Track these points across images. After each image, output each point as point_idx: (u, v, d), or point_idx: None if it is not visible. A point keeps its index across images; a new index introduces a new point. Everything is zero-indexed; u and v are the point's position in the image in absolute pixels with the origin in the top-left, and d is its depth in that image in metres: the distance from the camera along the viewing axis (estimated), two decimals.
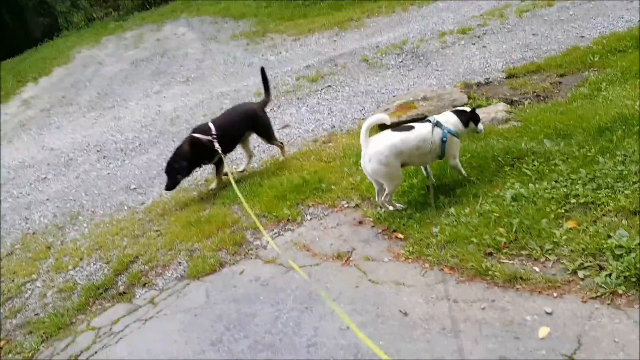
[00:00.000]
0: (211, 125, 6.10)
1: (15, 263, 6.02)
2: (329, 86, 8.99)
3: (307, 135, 7.27)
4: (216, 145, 5.96)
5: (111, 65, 15.36)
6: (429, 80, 8.00)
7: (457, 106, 6.05)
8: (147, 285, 4.80)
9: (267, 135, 6.57)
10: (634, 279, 3.05)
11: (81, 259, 5.64)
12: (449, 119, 4.52)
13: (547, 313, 3.07)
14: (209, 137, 6.00)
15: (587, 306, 3.04)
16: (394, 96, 7.55)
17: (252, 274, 4.40)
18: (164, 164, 6.21)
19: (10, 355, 4.40)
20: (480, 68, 7.87)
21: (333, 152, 6.32)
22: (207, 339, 3.75)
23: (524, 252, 3.58)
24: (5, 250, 6.46)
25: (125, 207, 6.70)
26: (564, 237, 3.54)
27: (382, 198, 4.55)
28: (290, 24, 14.29)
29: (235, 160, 7.15)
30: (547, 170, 4.32)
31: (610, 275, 3.13)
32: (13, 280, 5.59)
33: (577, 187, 3.97)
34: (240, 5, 17.24)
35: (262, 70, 6.78)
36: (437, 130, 4.38)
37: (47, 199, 7.77)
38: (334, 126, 7.32)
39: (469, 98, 6.55)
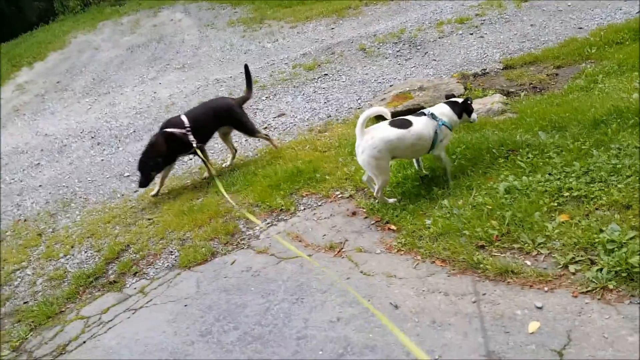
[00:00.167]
0: (184, 118, 6.01)
1: (5, 250, 5.98)
2: (326, 75, 8.92)
3: (303, 124, 7.23)
4: (191, 137, 5.90)
5: (107, 51, 15.23)
6: (426, 70, 7.95)
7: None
8: (137, 274, 4.77)
9: (245, 129, 6.45)
10: (624, 274, 3.03)
11: (72, 247, 5.61)
12: (444, 111, 4.50)
13: (538, 307, 3.05)
14: (183, 130, 5.92)
15: (578, 301, 3.02)
16: (390, 86, 7.50)
17: (244, 264, 4.37)
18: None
19: None
20: (477, 58, 7.82)
21: (328, 142, 6.28)
22: (196, 330, 3.73)
23: (515, 246, 3.56)
24: None
25: (118, 195, 6.66)
26: (556, 231, 3.52)
27: (375, 192, 4.52)
28: (288, 11, 14.18)
29: (221, 154, 7.10)
30: (541, 163, 4.29)
31: (601, 270, 3.11)
32: (3, 268, 5.56)
33: (570, 180, 3.94)
34: None
35: (246, 67, 6.63)
36: (432, 123, 4.35)
37: (40, 186, 7.73)
38: (330, 115, 7.27)
39: (465, 89, 6.50)
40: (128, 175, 7.19)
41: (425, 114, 4.44)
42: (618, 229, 3.32)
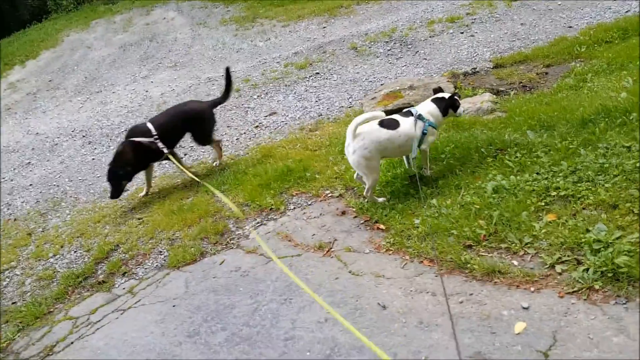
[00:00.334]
0: (150, 126, 5.89)
1: None
2: (317, 73, 8.92)
3: (294, 123, 7.22)
4: (160, 145, 5.80)
5: (99, 50, 15.18)
6: (416, 69, 7.95)
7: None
8: (127, 274, 4.76)
9: (200, 139, 6.34)
10: (610, 275, 3.03)
11: (62, 247, 5.58)
12: (430, 109, 4.53)
13: (524, 308, 3.05)
14: (151, 139, 5.81)
15: (564, 301, 3.02)
16: (381, 84, 7.49)
17: (233, 264, 4.36)
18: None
19: None
20: (467, 57, 7.84)
21: (319, 141, 6.28)
22: (184, 331, 3.72)
23: (503, 245, 3.56)
24: None
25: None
26: (543, 231, 3.52)
27: (365, 192, 4.52)
28: (280, 9, 14.17)
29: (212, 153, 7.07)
30: (529, 162, 4.30)
31: (587, 270, 3.11)
32: None
33: (558, 179, 3.94)
34: None
35: (227, 71, 6.53)
36: (419, 123, 4.38)
37: (30, 185, 7.69)
38: (321, 114, 7.27)
39: (455, 87, 6.51)
40: None
41: (412, 113, 4.44)
42: (604, 229, 3.32)
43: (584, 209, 3.62)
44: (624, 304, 2.88)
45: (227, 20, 14.45)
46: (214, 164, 6.55)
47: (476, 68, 7.24)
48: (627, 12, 7.75)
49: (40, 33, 19.26)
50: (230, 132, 7.54)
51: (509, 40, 8.04)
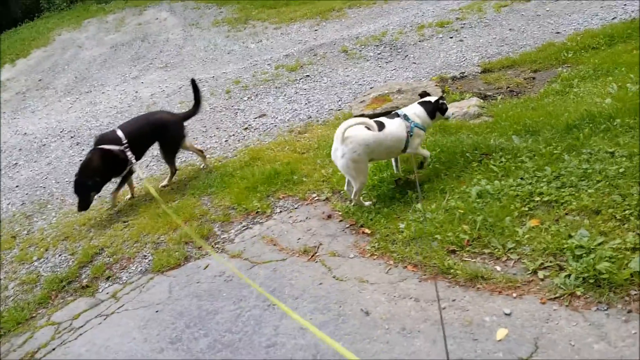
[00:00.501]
0: (120, 133, 5.68)
1: None
2: (308, 76, 8.91)
3: (283, 125, 7.20)
4: (129, 154, 5.61)
5: (91, 49, 15.13)
6: (406, 73, 7.96)
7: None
8: (110, 278, 4.71)
9: (167, 151, 6.14)
10: (592, 281, 3.04)
11: (47, 250, 5.54)
12: (417, 112, 4.54)
13: (506, 314, 3.05)
14: (120, 147, 5.61)
15: (546, 307, 3.02)
16: (371, 88, 7.50)
17: (217, 268, 4.34)
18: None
19: None
20: (456, 62, 7.85)
21: (308, 143, 6.27)
22: (166, 337, 3.68)
23: (486, 251, 3.56)
24: None
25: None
26: (526, 236, 3.53)
27: (352, 195, 4.52)
28: (273, 11, 14.17)
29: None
30: (513, 167, 4.31)
31: (569, 276, 3.12)
32: None
33: (541, 184, 3.95)
34: None
35: (193, 82, 6.36)
36: (405, 125, 4.39)
37: (17, 186, 7.63)
38: (310, 116, 7.26)
39: (443, 92, 6.50)
40: None
41: (398, 115, 4.45)
42: (587, 235, 3.33)
43: (567, 214, 3.63)
44: (605, 310, 2.89)
45: (220, 21, 14.44)
46: (201, 167, 6.49)
47: (464, 72, 7.25)
48: (613, 18, 7.80)
49: (32, 31, 19.20)
50: (219, 134, 7.51)
51: (498, 45, 8.06)
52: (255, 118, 7.72)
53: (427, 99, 4.70)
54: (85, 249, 5.25)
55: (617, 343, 2.69)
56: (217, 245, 4.70)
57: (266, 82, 9.12)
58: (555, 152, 4.32)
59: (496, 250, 3.53)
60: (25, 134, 10.03)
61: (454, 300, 3.28)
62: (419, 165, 4.69)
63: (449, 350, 2.90)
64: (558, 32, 7.92)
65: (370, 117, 5.18)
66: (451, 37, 8.92)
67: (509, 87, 6.46)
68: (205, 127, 7.90)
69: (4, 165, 8.63)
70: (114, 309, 4.21)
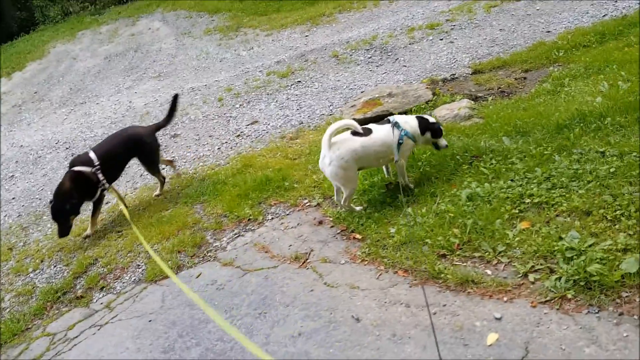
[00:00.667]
0: (92, 155, 5.60)
1: None
2: (299, 82, 8.92)
3: (275, 132, 7.21)
4: (100, 176, 5.54)
5: (85, 61, 15.17)
6: (396, 76, 7.96)
7: (421, 102, 6.05)
8: (104, 288, 4.72)
9: (149, 164, 6.13)
10: (582, 283, 3.01)
11: (42, 261, 5.56)
12: (409, 121, 4.46)
13: (497, 318, 3.02)
14: (92, 169, 5.53)
15: (536, 311, 2.99)
16: (361, 92, 7.50)
17: (209, 277, 4.33)
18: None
19: None
20: (447, 64, 7.85)
21: (299, 149, 6.27)
22: (159, 346, 3.68)
23: (476, 254, 3.54)
24: None
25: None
26: (517, 239, 3.51)
27: (342, 201, 4.50)
28: (264, 18, 14.20)
29: (193, 163, 7.05)
30: (504, 169, 4.29)
31: (560, 278, 3.09)
32: None
33: (532, 186, 3.93)
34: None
35: (174, 98, 6.37)
36: (395, 132, 4.33)
37: (13, 198, 7.66)
38: (302, 122, 7.26)
39: (433, 94, 6.50)
40: None
41: (390, 121, 4.41)
42: (577, 236, 3.30)
43: (557, 215, 3.61)
44: (596, 313, 2.86)
45: (212, 29, 14.46)
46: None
47: (455, 74, 7.24)
48: (604, 16, 7.79)
49: (28, 44, 19.28)
50: (212, 141, 7.51)
51: (488, 46, 8.06)
52: (248, 125, 7.72)
53: (424, 115, 4.64)
54: (80, 259, 5.26)
55: (608, 346, 2.67)
56: (209, 254, 4.70)
57: (258, 89, 9.13)
58: (545, 152, 4.31)
59: (487, 253, 3.51)
60: (22, 146, 10.08)
61: (444, 305, 3.26)
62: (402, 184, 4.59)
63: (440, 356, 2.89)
64: (549, 31, 7.91)
65: (361, 123, 5.17)
66: (441, 39, 8.91)
67: (500, 88, 6.44)
68: (198, 135, 7.90)
69: (0, 177, 8.64)
70: (108, 319, 4.21)
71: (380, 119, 5.97)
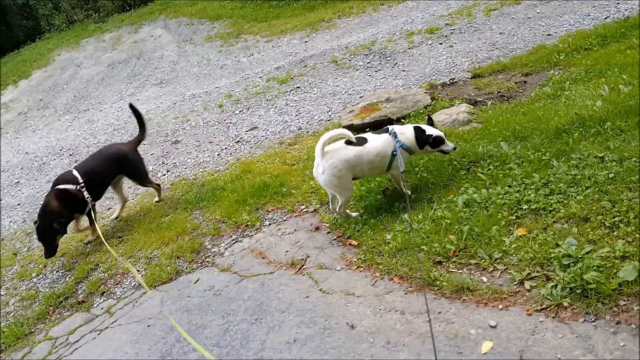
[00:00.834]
0: (76, 173, 5.56)
1: None
2: (298, 87, 8.95)
3: (274, 137, 7.24)
4: (85, 194, 5.48)
5: (89, 68, 15.32)
6: (395, 81, 7.95)
7: (419, 107, 6.03)
8: (105, 293, 4.77)
9: (139, 178, 6.12)
10: (579, 291, 2.96)
11: (45, 266, 5.62)
12: (405, 132, 4.35)
13: (492, 326, 2.99)
14: (76, 187, 5.47)
15: (532, 319, 2.95)
16: (360, 97, 7.51)
17: (207, 283, 4.34)
18: None
19: None
20: (446, 68, 7.84)
21: (297, 155, 6.29)
22: (157, 351, 3.69)
23: (472, 261, 3.51)
24: None
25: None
26: (513, 246, 3.47)
27: (337, 208, 4.49)
28: (264, 25, 14.28)
29: (193, 169, 7.06)
30: (501, 175, 4.26)
31: (556, 286, 3.05)
32: None
33: (529, 192, 3.89)
34: (216, 7, 17.30)
35: (131, 107, 6.23)
36: (392, 142, 4.26)
37: (18, 204, 7.76)
38: (301, 128, 7.28)
39: (432, 99, 6.47)
40: None
41: (387, 130, 4.36)
42: (575, 243, 3.25)
43: (555, 222, 3.57)
44: (593, 321, 2.82)
45: (212, 36, 14.56)
46: (111, 218, 6.25)
47: (454, 78, 7.21)
48: (606, 18, 7.74)
49: (33, 53, 19.55)
50: (212, 147, 7.54)
51: (488, 49, 8.04)
52: (247, 131, 7.75)
53: (423, 126, 4.44)
54: (82, 265, 5.33)
55: (604, 355, 2.63)
56: (207, 259, 4.73)
57: (257, 95, 9.17)
58: (544, 158, 4.26)
59: (483, 260, 3.47)
60: (27, 153, 10.23)
61: (439, 312, 3.23)
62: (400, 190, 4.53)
63: None
64: (549, 34, 7.88)
65: (359, 128, 5.17)
66: (440, 43, 8.90)
67: (499, 92, 6.40)
68: (198, 141, 7.93)
69: (7, 184, 8.77)
70: (108, 324, 4.25)
71: (378, 124, 5.98)
